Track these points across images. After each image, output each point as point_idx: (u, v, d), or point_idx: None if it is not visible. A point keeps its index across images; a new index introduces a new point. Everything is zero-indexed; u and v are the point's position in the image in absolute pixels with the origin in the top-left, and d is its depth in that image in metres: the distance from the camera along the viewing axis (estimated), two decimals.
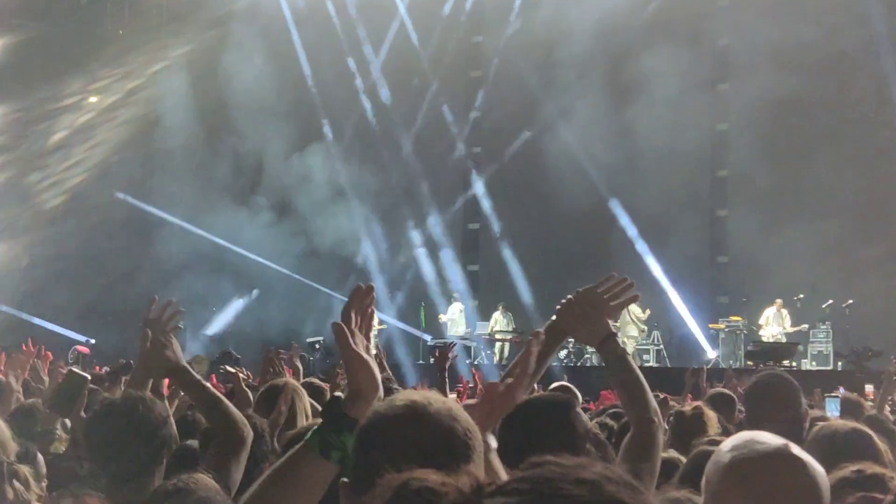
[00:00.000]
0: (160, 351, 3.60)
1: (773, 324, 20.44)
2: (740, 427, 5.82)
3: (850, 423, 4.10)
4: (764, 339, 20.23)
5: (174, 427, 3.72)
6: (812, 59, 21.24)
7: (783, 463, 2.13)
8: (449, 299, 23.29)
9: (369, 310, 2.27)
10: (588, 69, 22.73)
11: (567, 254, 23.09)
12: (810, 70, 21.52)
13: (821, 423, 4.16)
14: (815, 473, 2.14)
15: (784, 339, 20.12)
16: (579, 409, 3.04)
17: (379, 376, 2.16)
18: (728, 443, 2.26)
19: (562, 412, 3.00)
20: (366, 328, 2.24)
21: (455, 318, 22.71)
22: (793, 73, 21.35)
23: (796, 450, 2.17)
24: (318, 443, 2.05)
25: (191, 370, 3.65)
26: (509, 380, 2.39)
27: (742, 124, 22.82)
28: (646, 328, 21.20)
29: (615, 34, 22.35)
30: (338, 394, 2.16)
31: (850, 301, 19.77)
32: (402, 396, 1.91)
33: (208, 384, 3.66)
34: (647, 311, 21.00)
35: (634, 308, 20.87)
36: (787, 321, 20.39)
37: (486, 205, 25.46)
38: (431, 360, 19.37)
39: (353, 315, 2.21)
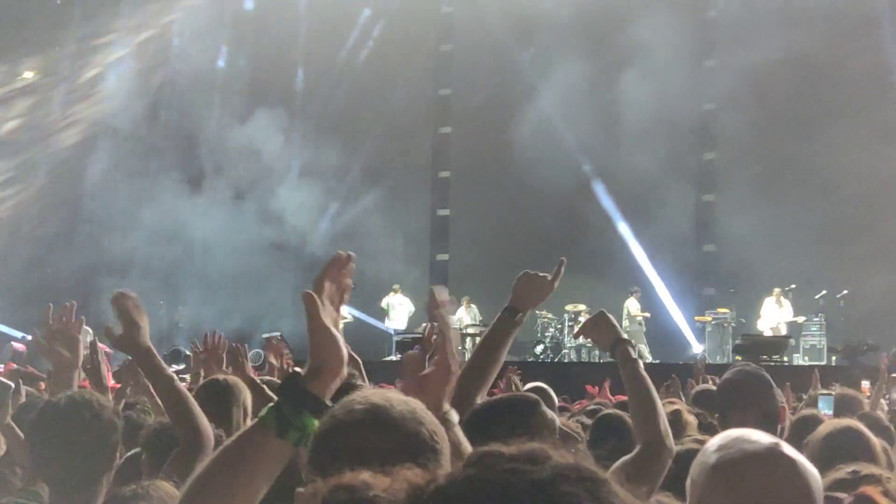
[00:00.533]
0: (134, 334, 3.54)
1: (773, 313, 20.50)
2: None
3: (845, 422, 4.15)
4: (762, 330, 20.32)
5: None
6: (806, 37, 21.37)
7: (773, 463, 2.12)
8: (390, 291, 23.12)
9: (346, 281, 2.18)
10: (567, 45, 22.76)
11: (545, 241, 23.13)
12: (804, 48, 21.67)
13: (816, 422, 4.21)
14: (806, 474, 2.13)
15: (784, 331, 20.22)
16: (545, 409, 3.04)
17: (346, 353, 2.05)
18: (714, 442, 2.25)
19: (525, 412, 3.00)
20: (338, 301, 2.16)
21: (397, 310, 22.69)
22: (786, 51, 21.51)
23: (787, 449, 2.16)
24: (275, 421, 1.91)
25: (158, 357, 3.61)
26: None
27: (730, 104, 22.92)
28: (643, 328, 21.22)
29: (595, 9, 22.41)
30: (297, 369, 2.07)
31: (846, 292, 19.93)
32: (362, 398, 1.86)
33: (175, 378, 3.61)
34: (647, 314, 21.13)
35: (632, 307, 21.00)
36: (788, 311, 20.47)
37: (456, 189, 25.47)
38: (413, 349, 19.33)
39: (326, 285, 2.13)
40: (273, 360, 5.73)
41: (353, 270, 2.21)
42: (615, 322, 3.47)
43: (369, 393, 1.90)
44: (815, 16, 21.51)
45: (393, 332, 22.28)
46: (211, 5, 24.82)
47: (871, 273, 20.09)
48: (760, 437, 2.19)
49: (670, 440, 3.16)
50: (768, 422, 3.95)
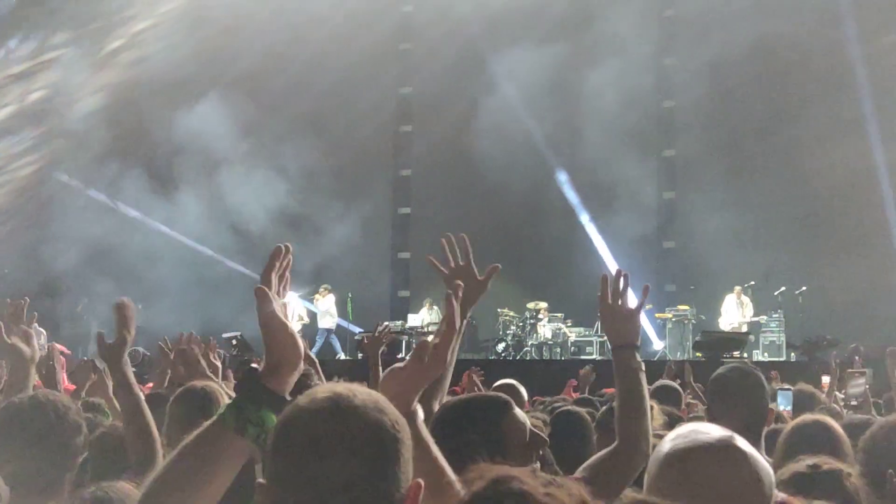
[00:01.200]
0: (122, 347, 3.56)
1: (734, 312, 20.71)
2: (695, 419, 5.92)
3: (813, 416, 4.24)
4: (723, 328, 20.49)
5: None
6: (768, 33, 21.63)
7: (724, 454, 2.13)
8: (320, 290, 23.04)
9: (286, 273, 2.21)
10: (527, 42, 22.85)
11: (507, 238, 23.20)
12: (765, 44, 21.92)
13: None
14: (758, 467, 2.14)
15: (744, 329, 20.40)
16: (516, 412, 3.04)
17: (301, 346, 2.09)
18: (671, 433, 2.27)
19: (496, 414, 3.00)
20: (282, 293, 2.20)
21: (329, 311, 22.63)
22: (747, 47, 21.73)
23: (740, 442, 2.17)
24: (234, 418, 1.94)
25: (131, 375, 3.60)
26: (436, 340, 2.33)
27: (691, 101, 23.12)
28: None
29: (556, 7, 22.52)
30: (254, 365, 2.08)
31: (804, 288, 20.12)
32: (325, 388, 1.87)
33: (142, 399, 3.62)
34: None
35: None
36: (749, 309, 20.68)
37: (417, 187, 25.49)
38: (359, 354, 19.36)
39: (273, 279, 2.16)
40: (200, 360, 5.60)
41: (291, 262, 2.26)
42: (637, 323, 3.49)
43: (333, 384, 1.90)
44: (776, 11, 21.75)
45: (358, 331, 22.27)
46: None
47: (830, 269, 20.36)
48: (715, 430, 2.21)
49: (647, 445, 3.18)
50: (756, 421, 3.98)
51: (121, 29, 24.41)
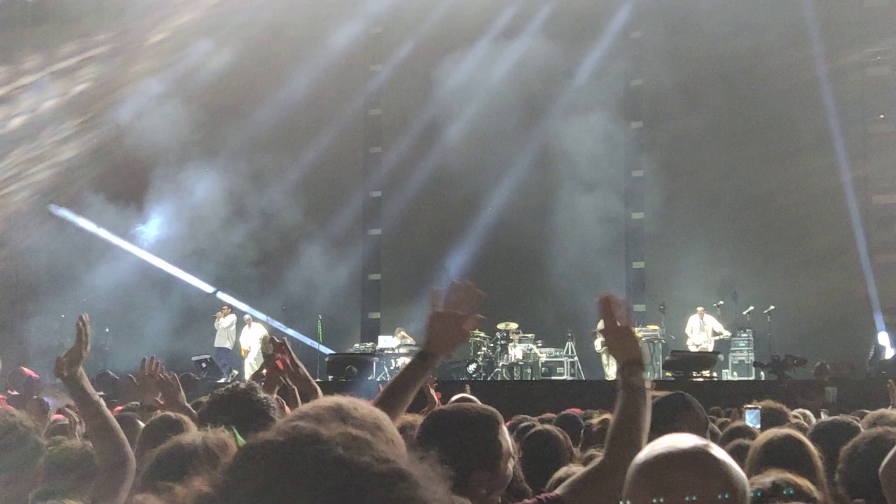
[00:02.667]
0: (76, 359, 3.53)
1: (699, 332, 20.87)
2: None
3: (785, 430, 4.23)
4: (690, 348, 20.60)
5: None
6: (733, 51, 21.87)
7: (698, 462, 2.13)
8: (222, 308, 22.97)
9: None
10: (496, 62, 23.04)
11: (478, 258, 23.29)
12: (731, 63, 22.16)
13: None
14: (732, 476, 2.13)
15: (711, 348, 20.52)
16: (504, 426, 3.09)
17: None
18: (649, 445, 2.27)
19: (493, 428, 3.03)
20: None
21: (229, 330, 22.61)
22: (712, 66, 21.98)
23: (715, 450, 2.16)
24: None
25: (88, 384, 3.58)
26: None
27: (657, 121, 23.32)
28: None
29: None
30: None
31: (772, 307, 20.27)
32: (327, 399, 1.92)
33: (103, 404, 3.60)
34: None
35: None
36: (715, 325, 20.82)
37: (388, 207, 25.50)
38: (343, 379, 19.31)
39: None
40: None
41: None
42: (640, 343, 3.50)
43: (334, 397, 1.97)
44: (742, 30, 21.97)
45: (328, 352, 22.22)
46: None
47: (798, 286, 20.52)
48: (691, 440, 2.20)
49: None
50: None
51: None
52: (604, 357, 21.43)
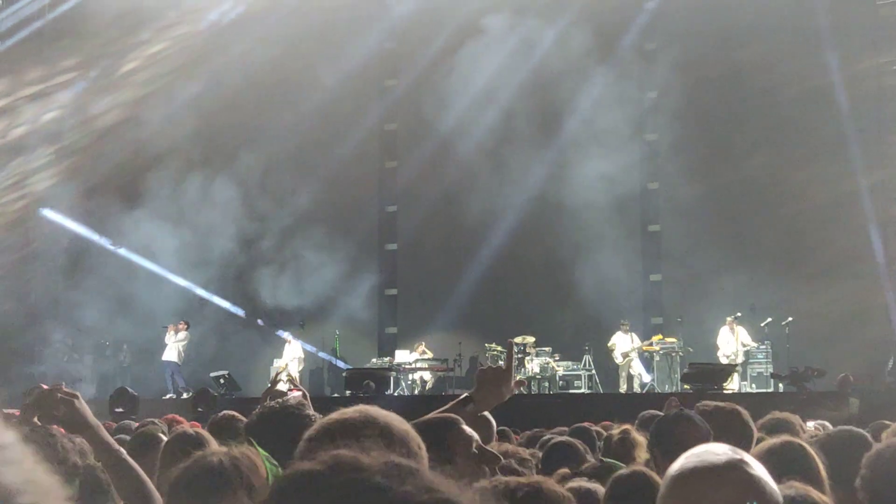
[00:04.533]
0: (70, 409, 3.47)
1: (730, 342, 20.77)
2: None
3: (785, 437, 4.13)
4: (721, 360, 20.53)
5: None
6: (744, 59, 21.85)
7: (733, 476, 2.09)
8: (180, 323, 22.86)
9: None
10: (511, 76, 23.09)
11: (492, 274, 23.29)
12: (742, 70, 22.14)
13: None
14: (765, 490, 2.10)
15: (741, 358, 20.49)
16: (464, 427, 3.08)
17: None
18: (683, 455, 2.23)
19: (442, 431, 3.04)
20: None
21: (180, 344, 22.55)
22: (723, 74, 21.97)
23: (752, 464, 2.14)
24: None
25: (102, 429, 3.52)
26: None
27: (672, 135, 23.28)
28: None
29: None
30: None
31: (790, 319, 20.16)
32: (352, 408, 2.00)
33: (116, 444, 3.55)
34: (637, 347, 21.27)
35: (619, 341, 21.18)
36: (744, 337, 20.74)
37: (404, 222, 25.51)
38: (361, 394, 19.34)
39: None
40: None
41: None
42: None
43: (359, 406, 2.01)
44: (753, 38, 21.98)
45: (344, 366, 22.22)
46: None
47: (814, 296, 20.40)
48: (727, 451, 2.17)
49: None
50: None
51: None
52: (621, 371, 21.40)
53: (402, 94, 25.82)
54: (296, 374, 21.61)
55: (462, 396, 3.56)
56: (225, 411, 5.36)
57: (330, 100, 24.12)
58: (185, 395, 20.78)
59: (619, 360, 21.41)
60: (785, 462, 3.64)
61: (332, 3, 24.26)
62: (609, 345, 21.45)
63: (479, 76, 23.47)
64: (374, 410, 1.98)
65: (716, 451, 2.17)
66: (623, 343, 21.38)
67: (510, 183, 23.28)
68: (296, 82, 24.16)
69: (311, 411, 3.65)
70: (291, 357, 22.17)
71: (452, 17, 23.72)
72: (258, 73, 23.96)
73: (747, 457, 2.17)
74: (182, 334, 22.38)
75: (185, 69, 24.33)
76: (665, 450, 4.12)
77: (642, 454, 4.94)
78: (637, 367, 21.29)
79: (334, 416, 1.97)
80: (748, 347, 20.76)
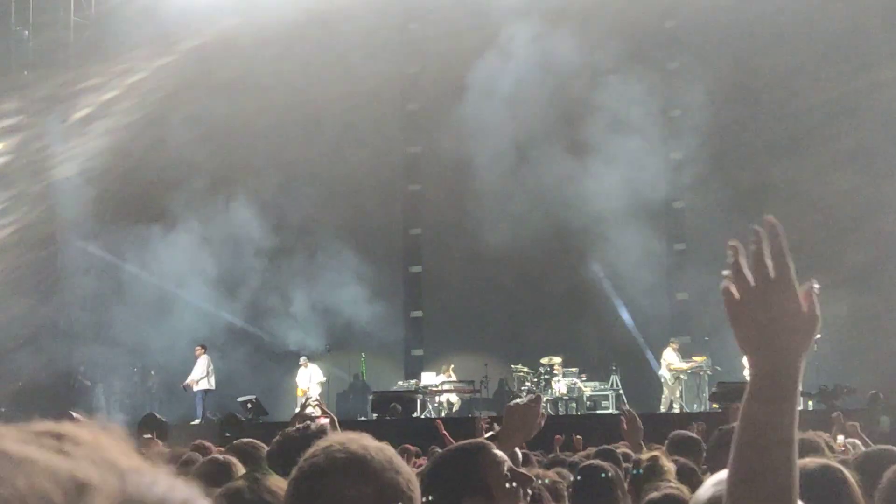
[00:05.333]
0: None
1: None
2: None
3: (821, 460, 3.91)
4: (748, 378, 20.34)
5: None
6: (764, 69, 21.81)
7: None
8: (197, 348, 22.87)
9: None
10: (533, 98, 23.13)
11: (517, 295, 23.25)
12: (762, 80, 22.09)
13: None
14: None
15: None
16: (494, 451, 3.06)
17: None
18: (713, 478, 2.20)
19: (473, 457, 3.02)
20: None
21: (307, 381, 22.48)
22: (744, 83, 21.93)
23: None
24: None
25: None
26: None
27: (696, 152, 23.23)
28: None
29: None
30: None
31: (818, 336, 19.93)
32: (340, 445, 1.92)
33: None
34: (685, 366, 21.13)
35: (669, 357, 21.05)
36: None
37: (428, 245, 25.54)
38: (388, 417, 19.32)
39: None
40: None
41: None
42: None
43: (346, 439, 1.95)
44: (774, 44, 21.92)
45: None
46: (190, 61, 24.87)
47: (837, 309, 20.18)
48: None
49: None
50: None
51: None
52: (665, 388, 21.22)
53: (423, 117, 25.89)
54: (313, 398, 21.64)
55: (490, 436, 3.60)
56: (245, 438, 5.36)
57: (352, 125, 24.24)
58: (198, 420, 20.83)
59: (669, 380, 21.22)
60: (821, 487, 3.52)
61: (352, 27, 24.37)
62: (670, 365, 21.20)
63: (501, 97, 23.50)
64: (362, 459, 1.91)
65: None
66: (674, 362, 21.22)
67: (534, 203, 23.22)
68: (317, 107, 24.25)
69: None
70: (312, 381, 22.19)
71: (473, 39, 23.78)
72: (279, 97, 24.07)
73: None
74: (203, 359, 22.32)
75: (207, 93, 24.48)
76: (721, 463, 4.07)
77: (672, 480, 4.88)
78: (678, 388, 21.05)
79: (320, 458, 1.90)
80: None
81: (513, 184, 23.24)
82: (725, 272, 1.90)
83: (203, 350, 22.27)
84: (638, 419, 6.40)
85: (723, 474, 2.17)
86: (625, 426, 6.42)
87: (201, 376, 21.97)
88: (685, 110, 23.80)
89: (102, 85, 24.85)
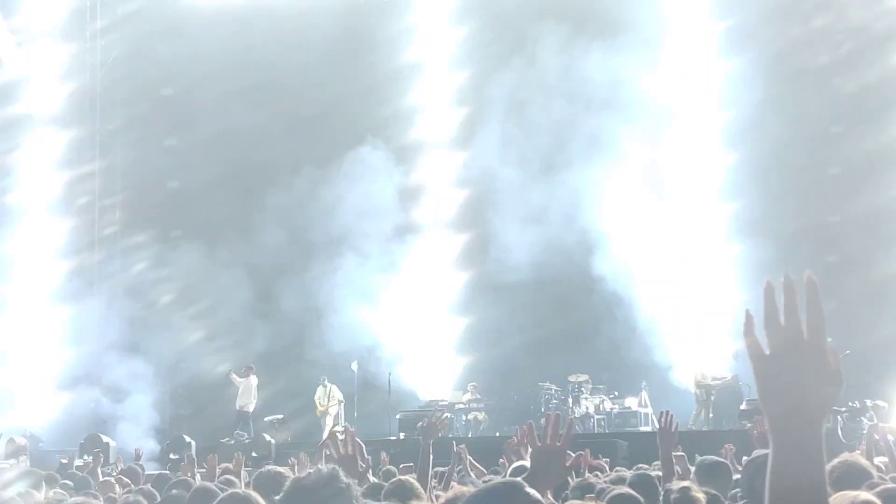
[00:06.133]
0: None
1: None
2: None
3: (864, 495, 3.72)
4: None
5: None
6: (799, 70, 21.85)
7: None
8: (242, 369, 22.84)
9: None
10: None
11: (547, 311, 23.18)
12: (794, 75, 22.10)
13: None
14: None
15: None
16: (529, 491, 3.04)
17: None
18: None
19: (508, 499, 3.00)
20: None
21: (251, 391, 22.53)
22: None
23: None
24: None
25: None
26: None
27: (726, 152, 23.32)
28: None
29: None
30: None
31: (848, 352, 19.74)
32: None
33: None
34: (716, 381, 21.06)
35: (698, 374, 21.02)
36: None
37: None
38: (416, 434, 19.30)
39: None
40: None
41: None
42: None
43: None
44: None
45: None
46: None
47: (870, 326, 20.01)
48: None
49: None
50: None
51: None
52: (697, 404, 21.07)
53: None
54: (332, 416, 21.78)
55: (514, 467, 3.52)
56: (269, 467, 5.36)
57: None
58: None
59: (701, 396, 21.10)
60: None
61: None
62: (702, 379, 21.09)
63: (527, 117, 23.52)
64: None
65: None
66: (702, 378, 21.11)
67: (562, 217, 22.99)
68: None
69: (345, 481, 3.61)
70: (332, 399, 22.26)
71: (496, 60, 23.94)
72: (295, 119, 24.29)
73: None
74: (253, 380, 22.51)
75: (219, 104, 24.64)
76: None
77: None
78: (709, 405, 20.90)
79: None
80: None
81: (539, 196, 23.05)
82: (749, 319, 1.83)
83: (251, 371, 22.46)
84: (673, 425, 6.32)
85: None
86: (662, 424, 6.33)
87: (250, 397, 22.12)
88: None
89: None
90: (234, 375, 22.31)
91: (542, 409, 20.88)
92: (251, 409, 22.11)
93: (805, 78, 22.34)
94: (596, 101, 22.56)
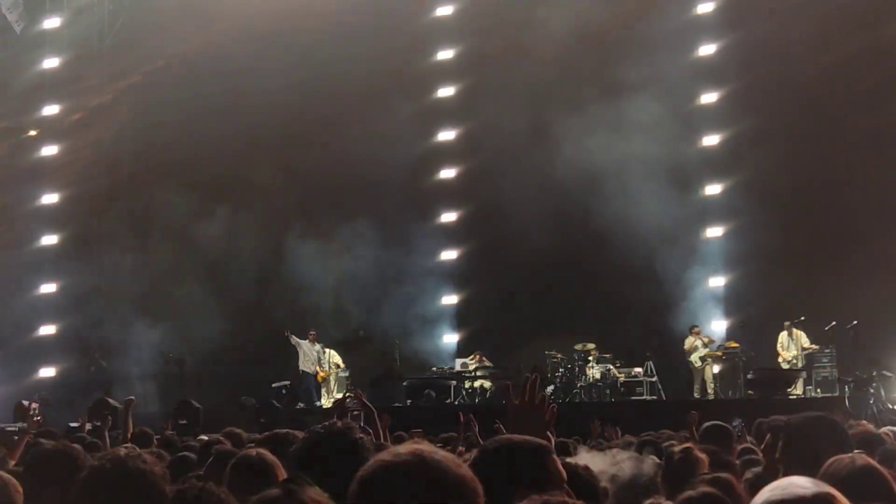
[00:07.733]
0: None
1: (791, 347, 20.54)
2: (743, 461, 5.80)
3: (864, 459, 3.77)
4: (782, 364, 20.33)
5: None
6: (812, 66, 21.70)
7: None
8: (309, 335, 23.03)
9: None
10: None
11: (554, 278, 23.21)
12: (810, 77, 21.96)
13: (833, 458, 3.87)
14: None
15: (802, 362, 20.29)
16: (554, 456, 3.05)
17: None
18: (768, 487, 2.21)
19: (540, 458, 3.02)
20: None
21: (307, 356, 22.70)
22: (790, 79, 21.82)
23: (839, 497, 2.11)
24: None
25: None
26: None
27: (734, 138, 23.16)
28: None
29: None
30: None
31: (855, 322, 19.78)
32: (406, 447, 1.99)
33: None
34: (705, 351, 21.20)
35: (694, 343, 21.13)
36: (804, 340, 20.49)
37: (462, 232, 25.43)
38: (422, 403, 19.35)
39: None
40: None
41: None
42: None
43: (411, 444, 2.03)
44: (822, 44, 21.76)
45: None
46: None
47: (878, 295, 19.97)
48: (810, 484, 2.15)
49: None
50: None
51: None
52: (696, 377, 21.20)
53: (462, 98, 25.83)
54: (333, 383, 21.89)
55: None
56: (279, 429, 5.33)
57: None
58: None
59: (697, 364, 21.21)
60: (861, 488, 3.38)
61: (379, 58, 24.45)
62: (694, 350, 21.23)
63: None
64: (429, 454, 1.96)
65: (800, 484, 2.14)
66: (697, 347, 21.22)
67: (570, 192, 22.94)
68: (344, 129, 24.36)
69: (358, 434, 3.63)
70: (329, 364, 22.39)
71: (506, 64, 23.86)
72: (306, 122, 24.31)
73: (833, 490, 2.14)
74: (317, 345, 22.71)
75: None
76: (800, 456, 4.03)
77: (705, 471, 4.81)
78: (709, 373, 20.99)
79: (387, 457, 1.96)
80: (809, 350, 20.48)
81: (551, 174, 23.02)
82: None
83: (315, 336, 22.69)
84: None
85: (784, 482, 2.17)
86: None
87: (310, 362, 22.40)
88: (723, 98, 23.68)
89: None
90: (295, 338, 22.48)
91: (549, 376, 20.94)
92: (312, 371, 22.35)
93: None
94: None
